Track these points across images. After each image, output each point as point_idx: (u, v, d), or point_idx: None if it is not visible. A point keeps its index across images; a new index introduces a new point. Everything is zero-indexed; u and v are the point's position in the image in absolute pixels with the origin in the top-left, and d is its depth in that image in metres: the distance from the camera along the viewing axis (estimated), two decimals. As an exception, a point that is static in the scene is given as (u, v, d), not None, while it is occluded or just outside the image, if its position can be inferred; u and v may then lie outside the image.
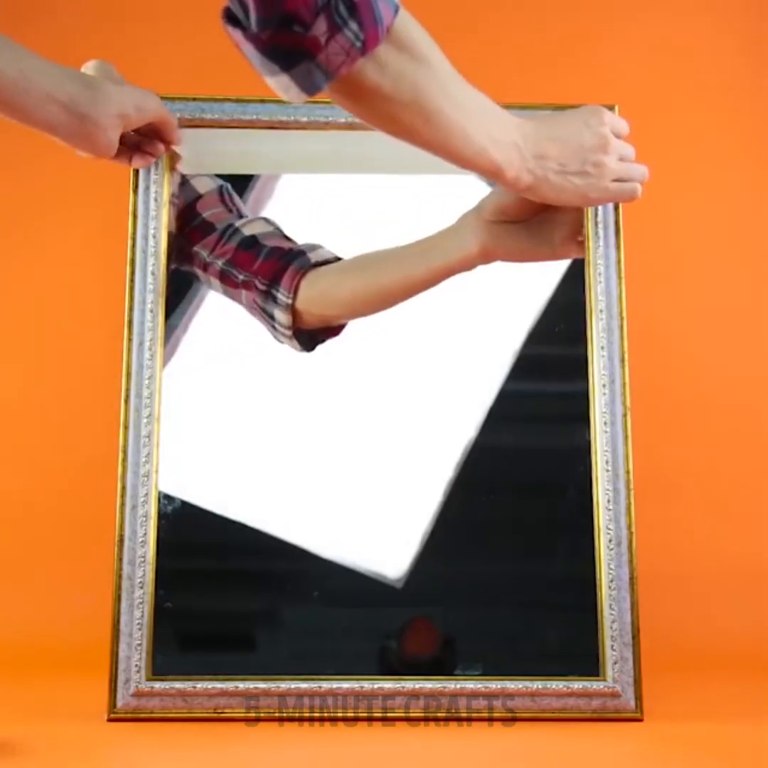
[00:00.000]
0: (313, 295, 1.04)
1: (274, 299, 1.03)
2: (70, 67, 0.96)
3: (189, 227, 1.07)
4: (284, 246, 1.06)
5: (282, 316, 1.03)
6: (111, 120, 0.94)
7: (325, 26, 0.74)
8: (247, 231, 1.07)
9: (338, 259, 1.07)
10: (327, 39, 0.74)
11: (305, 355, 1.06)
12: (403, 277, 1.04)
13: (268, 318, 1.04)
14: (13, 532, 1.38)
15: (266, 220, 1.08)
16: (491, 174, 0.91)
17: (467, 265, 1.04)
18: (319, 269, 1.05)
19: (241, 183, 1.10)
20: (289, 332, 1.04)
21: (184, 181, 1.08)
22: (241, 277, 1.05)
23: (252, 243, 1.06)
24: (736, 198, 1.49)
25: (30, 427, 1.43)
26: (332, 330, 1.05)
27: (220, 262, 1.05)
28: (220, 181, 1.09)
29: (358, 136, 1.07)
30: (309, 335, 1.05)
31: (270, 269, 1.05)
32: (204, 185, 1.08)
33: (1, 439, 1.42)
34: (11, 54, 0.89)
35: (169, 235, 1.05)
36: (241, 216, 1.08)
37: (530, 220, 1.03)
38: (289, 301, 1.03)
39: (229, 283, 1.06)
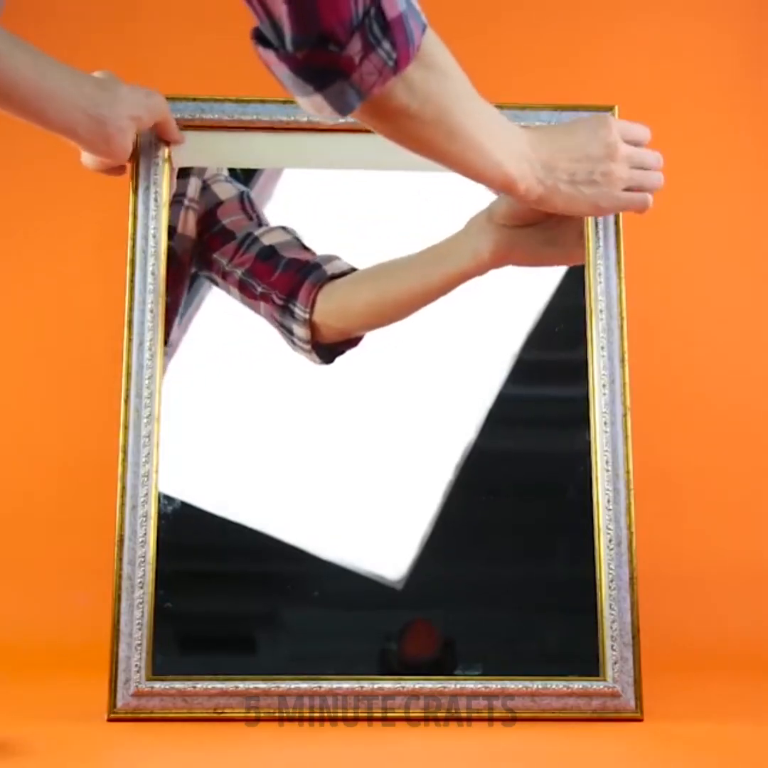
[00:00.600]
0: (330, 308, 1.04)
1: (292, 314, 1.03)
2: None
3: (209, 233, 1.07)
4: (301, 258, 1.06)
5: (300, 331, 1.03)
6: (127, 122, 0.96)
7: (360, 45, 0.74)
8: (266, 240, 1.07)
9: (354, 269, 1.07)
10: (361, 58, 0.74)
11: (303, 356, 1.06)
12: (418, 284, 1.04)
13: (287, 332, 1.04)
14: (13, 532, 1.38)
15: (285, 229, 1.08)
16: (504, 187, 0.92)
17: (480, 270, 1.04)
18: (335, 282, 1.05)
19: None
20: (308, 346, 1.04)
21: (205, 187, 1.08)
22: (259, 288, 1.05)
23: (270, 254, 1.06)
24: (736, 198, 1.49)
25: (30, 427, 1.43)
26: (350, 341, 1.05)
27: (239, 272, 1.05)
28: (242, 187, 1.08)
29: (358, 136, 1.07)
30: (328, 348, 1.05)
31: (287, 283, 1.04)
32: (225, 191, 1.08)
33: (1, 439, 1.42)
34: (32, 60, 0.89)
35: (181, 235, 1.05)
36: (260, 223, 1.08)
37: (542, 224, 1.03)
38: (307, 316, 1.03)
39: (248, 294, 1.06)
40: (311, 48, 0.73)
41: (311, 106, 0.78)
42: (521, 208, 1.01)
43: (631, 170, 0.98)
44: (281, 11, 0.72)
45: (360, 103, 0.78)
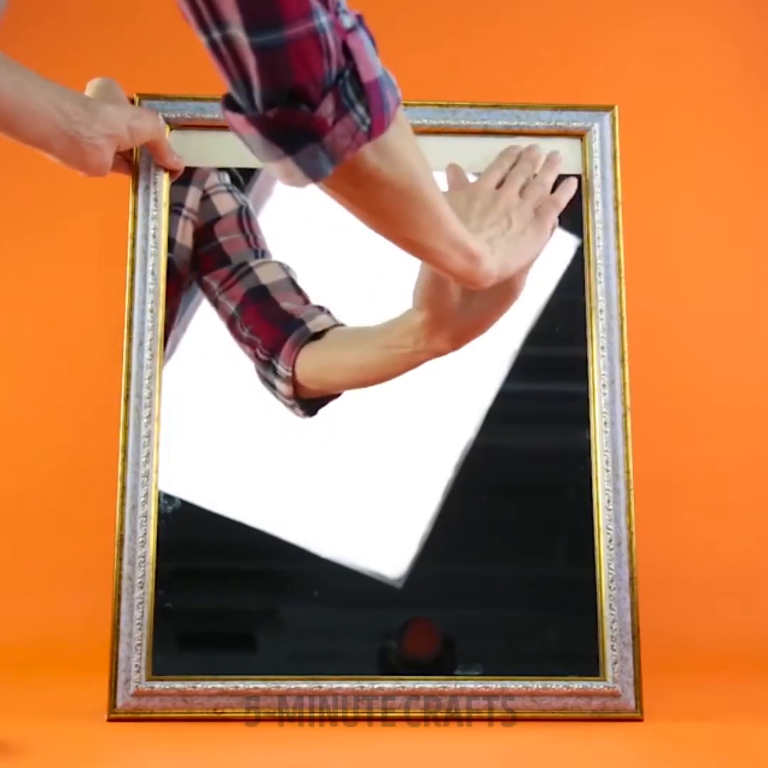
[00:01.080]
0: (309, 371, 1.03)
1: (275, 370, 1.03)
2: (74, 75, 0.96)
3: (203, 249, 1.06)
4: (289, 309, 1.05)
5: (283, 387, 1.03)
6: (103, 140, 0.95)
7: (332, 107, 0.70)
8: (261, 275, 1.05)
9: (338, 324, 1.05)
10: (334, 120, 0.71)
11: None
12: (384, 363, 1.01)
13: (270, 386, 1.04)
14: (13, 532, 1.38)
15: (281, 265, 1.06)
16: (465, 267, 0.87)
17: (443, 354, 1.00)
18: (315, 344, 1.03)
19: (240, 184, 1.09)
20: (291, 401, 1.03)
21: (206, 197, 1.07)
22: (245, 333, 1.04)
23: (261, 295, 1.05)
24: (736, 198, 1.49)
25: (30, 427, 1.43)
26: (333, 395, 1.04)
27: (231, 307, 1.05)
28: (242, 200, 1.08)
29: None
30: (310, 402, 1.04)
31: (271, 338, 1.04)
32: (224, 205, 1.07)
33: (1, 440, 1.42)
34: (10, 71, 0.90)
35: (180, 246, 1.05)
36: (257, 245, 1.07)
37: (466, 298, 0.98)
38: (289, 374, 1.03)
39: (235, 333, 1.05)
40: (282, 106, 0.70)
41: (281, 171, 0.74)
42: (440, 304, 0.96)
43: (524, 199, 0.99)
44: (251, 65, 0.68)
45: (332, 168, 0.73)
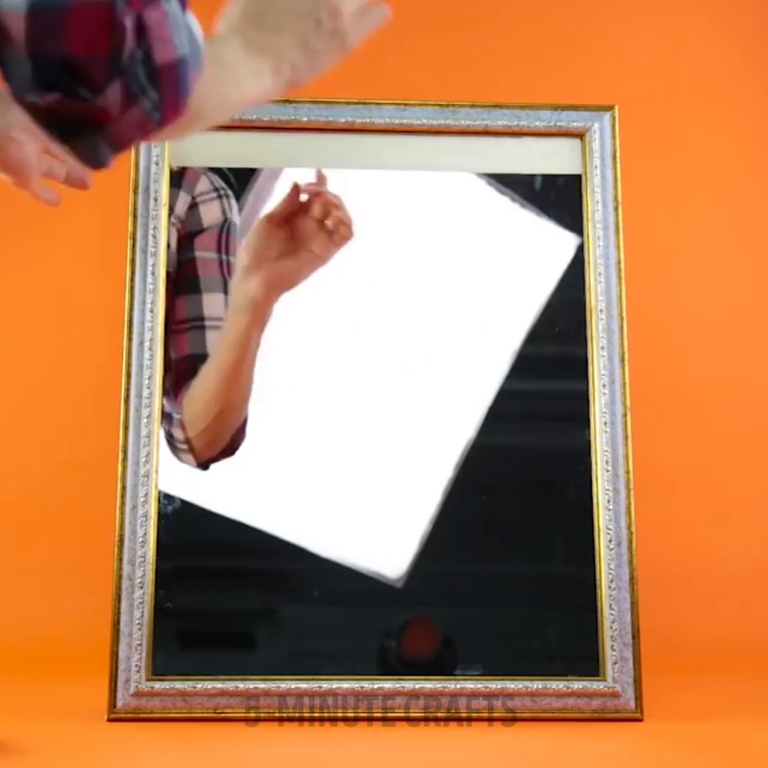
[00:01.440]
0: (185, 403, 1.04)
1: (170, 418, 1.03)
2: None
3: (182, 256, 1.06)
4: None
5: (178, 432, 1.04)
6: (20, 134, 0.86)
7: (120, 95, 0.59)
8: (209, 342, 1.06)
9: None
10: (120, 110, 0.59)
11: (306, 352, 1.05)
12: (224, 355, 1.04)
13: (169, 437, 1.04)
14: (13, 532, 1.38)
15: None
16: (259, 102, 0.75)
17: (259, 310, 1.05)
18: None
19: (241, 182, 1.09)
20: (185, 446, 1.04)
21: (194, 205, 1.07)
22: (166, 384, 1.04)
23: (198, 364, 1.06)
24: (736, 198, 1.49)
25: (30, 427, 1.43)
26: (225, 452, 1.04)
27: (173, 354, 1.05)
28: (227, 216, 1.08)
29: (357, 135, 1.08)
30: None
31: (170, 379, 1.04)
32: (210, 217, 1.07)
33: (2, 440, 1.42)
34: None
35: (172, 252, 1.05)
36: (229, 274, 1.07)
37: (284, 250, 1.06)
38: (179, 416, 1.03)
39: (168, 380, 1.05)
40: (60, 95, 0.58)
41: (60, 150, 0.62)
42: (259, 251, 1.05)
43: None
44: (19, 26, 0.56)
45: (113, 157, 0.63)
